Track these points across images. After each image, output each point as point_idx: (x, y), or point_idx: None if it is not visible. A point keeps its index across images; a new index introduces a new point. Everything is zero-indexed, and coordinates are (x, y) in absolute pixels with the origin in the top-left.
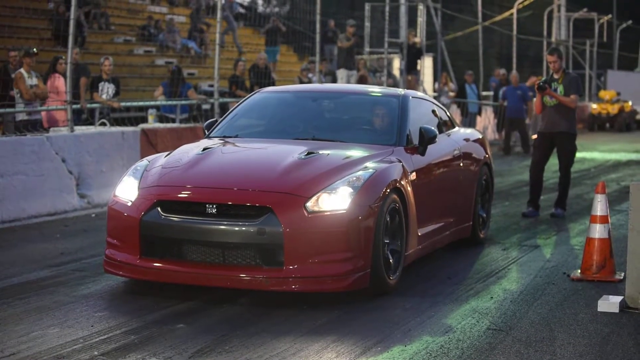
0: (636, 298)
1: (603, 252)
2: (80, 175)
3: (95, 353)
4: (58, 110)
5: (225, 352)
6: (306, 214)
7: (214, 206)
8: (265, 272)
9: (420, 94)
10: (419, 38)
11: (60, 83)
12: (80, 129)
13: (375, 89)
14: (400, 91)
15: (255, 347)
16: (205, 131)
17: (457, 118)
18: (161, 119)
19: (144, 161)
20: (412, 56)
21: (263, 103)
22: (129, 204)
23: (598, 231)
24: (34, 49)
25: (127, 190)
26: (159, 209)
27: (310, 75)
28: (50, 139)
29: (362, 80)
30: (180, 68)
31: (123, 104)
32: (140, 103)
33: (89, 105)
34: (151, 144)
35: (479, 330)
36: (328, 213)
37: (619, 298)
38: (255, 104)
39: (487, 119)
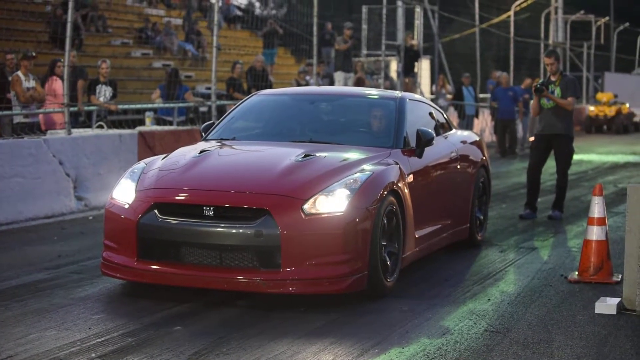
0: (633, 300)
1: (600, 254)
2: (78, 177)
3: (93, 355)
4: (55, 112)
5: (222, 355)
6: (303, 216)
7: (211, 208)
8: (263, 275)
9: (417, 96)
10: (416, 40)
11: (57, 85)
12: (77, 132)
13: (372, 92)
14: (398, 94)
15: (252, 350)
16: (203, 134)
17: (454, 120)
18: (158, 121)
19: (141, 164)
20: (409, 59)
21: (260, 105)
22: (126, 206)
23: (595, 233)
24: (32, 52)
25: (124, 193)
26: (156, 211)
27: (307, 77)
28: (47, 142)
29: (359, 82)
30: (177, 70)
31: (120, 106)
32: (138, 106)
33: (86, 108)
34: (148, 146)
35: (477, 332)
36: (325, 215)
37: (617, 300)
38: (252, 106)
39: (484, 121)
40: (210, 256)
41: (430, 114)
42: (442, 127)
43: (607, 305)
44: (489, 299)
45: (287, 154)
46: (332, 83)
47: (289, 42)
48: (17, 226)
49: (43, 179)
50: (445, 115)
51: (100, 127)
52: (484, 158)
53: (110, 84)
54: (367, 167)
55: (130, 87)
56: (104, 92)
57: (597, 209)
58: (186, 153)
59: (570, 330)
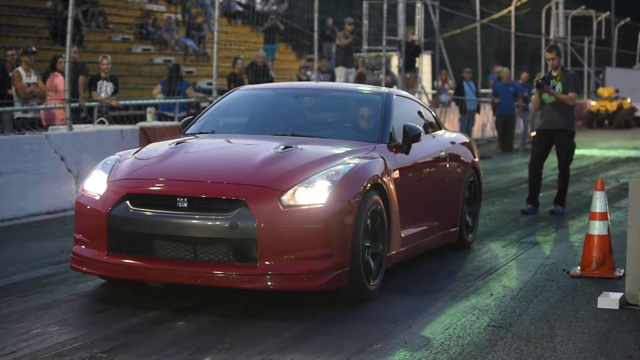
0: (636, 294)
1: (602, 249)
2: (80, 173)
3: (96, 351)
4: (57, 108)
5: (225, 350)
6: (281, 208)
7: (185, 199)
8: (238, 269)
9: (405, 93)
10: (417, 36)
11: (59, 81)
12: (79, 128)
13: (358, 87)
14: (384, 89)
15: (255, 344)
16: (181, 129)
17: (456, 116)
18: (160, 117)
19: (116, 155)
20: (410, 54)
21: (241, 100)
22: (97, 197)
23: (597, 228)
24: (33, 48)
25: (95, 184)
26: (128, 202)
27: (308, 73)
28: (49, 138)
29: (360, 77)
30: (179, 66)
31: (122, 102)
32: (139, 101)
33: (87, 104)
34: (149, 142)
35: (479, 327)
36: (305, 207)
37: (619, 295)
38: (233, 101)
39: (485, 116)
40: (184, 250)
41: (419, 112)
42: (431, 127)
43: (609, 300)
44: (492, 294)
45: (268, 146)
46: (333, 78)
47: (289, 38)
48: (19, 222)
49: (45, 175)
50: (434, 114)
51: (102, 122)
52: (475, 159)
53: (111, 79)
54: (350, 159)
55: (131, 83)
56: (105, 88)
57: (599, 203)
58: (162, 145)
59: (573, 325)
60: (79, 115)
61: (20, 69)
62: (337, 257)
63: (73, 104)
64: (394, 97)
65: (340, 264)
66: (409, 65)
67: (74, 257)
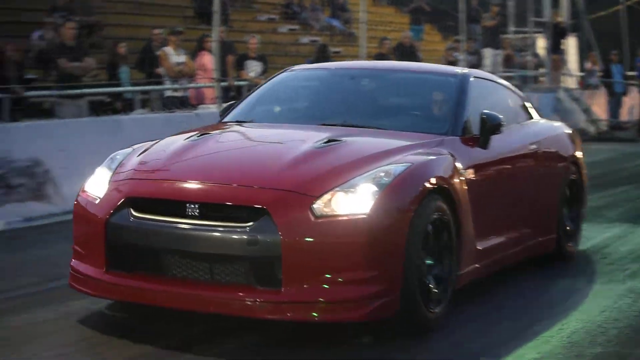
0: None
1: None
2: None
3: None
4: (207, 87)
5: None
6: (313, 219)
7: (197, 206)
8: (259, 295)
9: (487, 74)
10: (563, 18)
11: (207, 60)
12: None
13: (429, 67)
14: (460, 69)
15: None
16: (221, 116)
17: (603, 98)
18: None
19: (129, 149)
20: (556, 35)
21: (291, 82)
22: (97, 201)
23: None
24: (180, 28)
25: (97, 185)
26: (131, 208)
27: (455, 54)
28: (199, 116)
29: (508, 59)
30: (325, 45)
31: None
32: None
33: (236, 83)
34: None
35: (636, 311)
36: (343, 218)
37: None
38: (282, 84)
39: (633, 99)
40: (194, 268)
41: (504, 96)
42: (521, 114)
43: None
44: None
45: (307, 139)
46: (480, 60)
47: (435, 19)
48: None
49: None
50: (524, 100)
51: None
52: (576, 153)
53: (260, 59)
54: (406, 156)
55: (278, 62)
56: (253, 67)
57: None
58: (179, 138)
59: None
60: (228, 94)
61: (167, 48)
62: (384, 281)
63: (222, 83)
64: (471, 79)
65: (387, 289)
66: (555, 47)
67: (72, 274)
